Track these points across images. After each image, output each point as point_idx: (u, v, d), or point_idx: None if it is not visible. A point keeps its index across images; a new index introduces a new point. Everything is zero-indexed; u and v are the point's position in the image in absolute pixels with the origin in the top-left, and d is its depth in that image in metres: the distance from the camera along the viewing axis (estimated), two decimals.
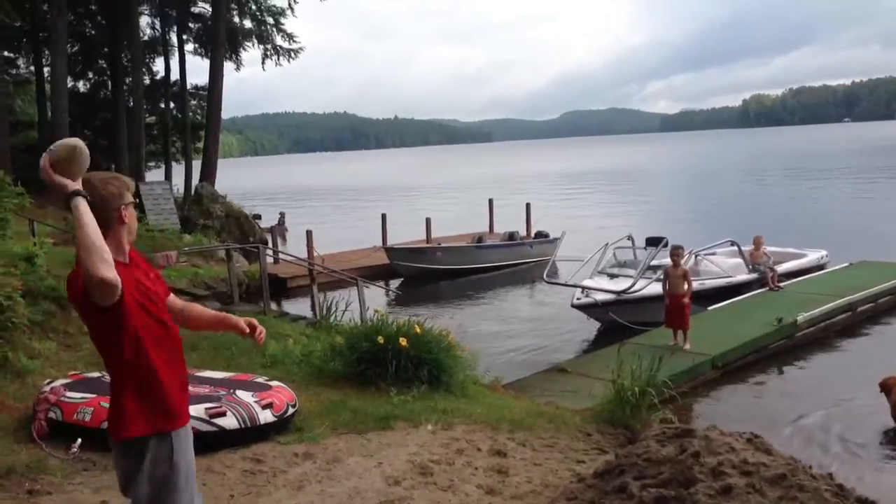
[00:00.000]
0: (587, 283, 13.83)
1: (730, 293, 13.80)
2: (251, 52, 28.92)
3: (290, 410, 6.00)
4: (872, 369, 9.56)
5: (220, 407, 5.60)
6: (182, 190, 26.79)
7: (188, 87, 29.25)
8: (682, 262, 13.95)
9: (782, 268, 15.12)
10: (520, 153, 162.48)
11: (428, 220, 23.78)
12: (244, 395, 5.84)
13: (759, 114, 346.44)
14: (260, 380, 6.40)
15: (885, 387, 8.32)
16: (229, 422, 5.55)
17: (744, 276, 14.59)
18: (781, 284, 14.44)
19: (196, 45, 28.65)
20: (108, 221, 2.72)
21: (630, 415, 7.08)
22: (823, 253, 16.85)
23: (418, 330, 7.53)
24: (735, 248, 15.13)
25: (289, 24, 28.48)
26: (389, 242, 21.86)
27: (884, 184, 40.28)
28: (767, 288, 14.29)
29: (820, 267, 16.27)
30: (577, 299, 13.37)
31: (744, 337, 11.03)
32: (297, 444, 5.64)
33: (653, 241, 15.16)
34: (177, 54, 28.48)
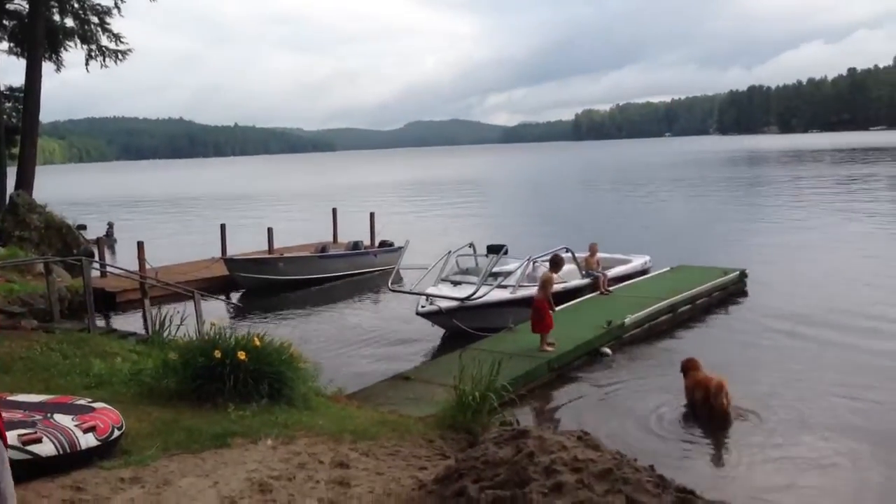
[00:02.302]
0: (431, 290, 14.03)
1: (565, 298, 14.45)
2: (74, 53, 26.91)
3: (116, 433, 5.62)
4: None
5: (35, 433, 5.15)
6: None
7: (1, 88, 26.85)
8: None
9: (611, 273, 16.04)
10: (364, 162, 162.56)
11: (270, 230, 23.20)
12: (63, 419, 5.41)
13: (590, 128, 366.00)
14: (82, 402, 5.96)
15: (683, 368, 9.29)
16: (46, 448, 5.12)
17: (578, 282, 15.34)
18: (611, 289, 15.32)
19: (11, 45, 26.34)
20: None
21: (471, 419, 7.22)
22: (647, 258, 18.07)
23: (258, 342, 7.29)
24: (569, 254, 15.88)
25: (116, 24, 26.73)
26: (229, 253, 21.12)
27: (699, 193, 43.83)
28: (599, 292, 15.11)
29: (644, 271, 17.42)
30: (422, 307, 13.52)
31: (577, 340, 11.58)
32: (123, 469, 5.29)
33: (494, 249, 15.63)
34: None
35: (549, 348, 11.06)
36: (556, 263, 12.15)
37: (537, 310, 11.28)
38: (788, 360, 11.21)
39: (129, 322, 14.87)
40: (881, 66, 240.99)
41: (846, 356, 11.26)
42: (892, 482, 7.16)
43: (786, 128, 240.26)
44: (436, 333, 13.87)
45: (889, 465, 7.48)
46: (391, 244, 22.30)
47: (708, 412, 8.59)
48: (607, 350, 11.80)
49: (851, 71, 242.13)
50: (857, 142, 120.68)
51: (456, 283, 14.42)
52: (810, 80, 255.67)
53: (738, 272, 16.43)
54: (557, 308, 13.77)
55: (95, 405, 5.87)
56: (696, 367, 9.17)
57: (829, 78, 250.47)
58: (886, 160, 67.51)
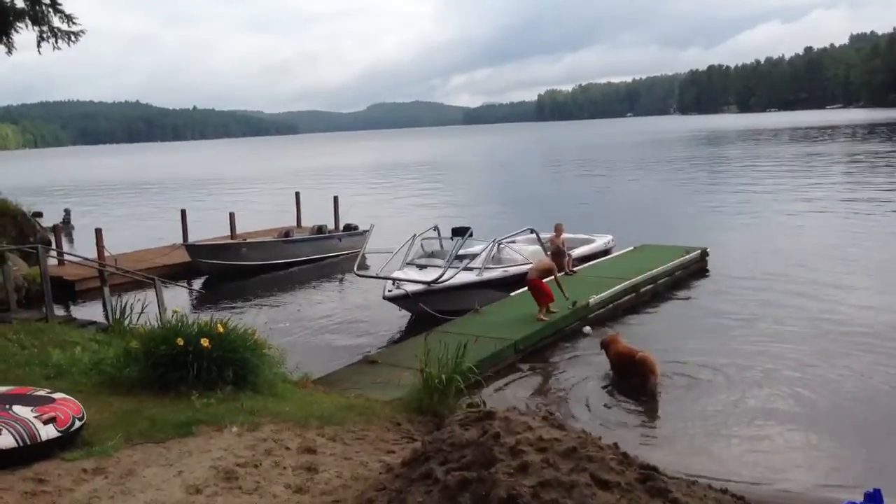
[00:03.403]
0: (397, 274, 14.00)
1: None
2: (25, 35, 26.09)
3: (77, 424, 5.53)
4: (652, 343, 10.56)
5: None
6: None
7: None
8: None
9: (575, 253, 16.16)
10: (327, 145, 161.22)
11: (232, 215, 22.93)
12: (22, 411, 5.31)
13: (553, 108, 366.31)
14: (41, 392, 5.84)
15: (604, 345, 9.94)
16: (5, 440, 5.03)
17: None
18: (575, 269, 15.43)
19: None
20: None
21: (438, 402, 7.26)
22: (610, 238, 18.23)
23: (221, 329, 7.21)
24: (534, 235, 15.96)
25: (68, 4, 26.02)
26: (191, 239, 20.84)
27: (661, 173, 44.29)
28: (564, 272, 15.20)
29: (607, 251, 17.58)
30: (389, 291, 13.50)
31: (543, 321, 11.67)
32: (85, 460, 5.22)
33: (459, 232, 15.64)
34: None
35: (551, 314, 11.84)
36: (556, 254, 12.59)
37: (537, 288, 11.93)
38: (747, 335, 11.46)
39: (89, 311, 14.63)
40: (837, 45, 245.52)
41: (802, 331, 11.54)
42: (844, 448, 7.38)
43: (744, 107, 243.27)
44: (402, 317, 13.87)
45: (839, 433, 7.72)
46: (356, 228, 22.20)
47: (638, 383, 9.13)
48: (588, 329, 12.06)
49: (808, 50, 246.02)
50: (814, 120, 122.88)
51: (421, 267, 14.42)
52: (768, 60, 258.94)
53: (699, 251, 16.66)
54: (523, 290, 13.94)
55: (55, 396, 5.76)
56: (615, 341, 9.86)
57: (787, 57, 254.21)
58: (841, 139, 68.89)
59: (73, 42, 26.60)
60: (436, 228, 16.05)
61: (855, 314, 12.32)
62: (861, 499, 5.05)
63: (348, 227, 22.57)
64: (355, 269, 15.01)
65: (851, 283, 14.62)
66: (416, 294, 13.30)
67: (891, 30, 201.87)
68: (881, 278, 15.09)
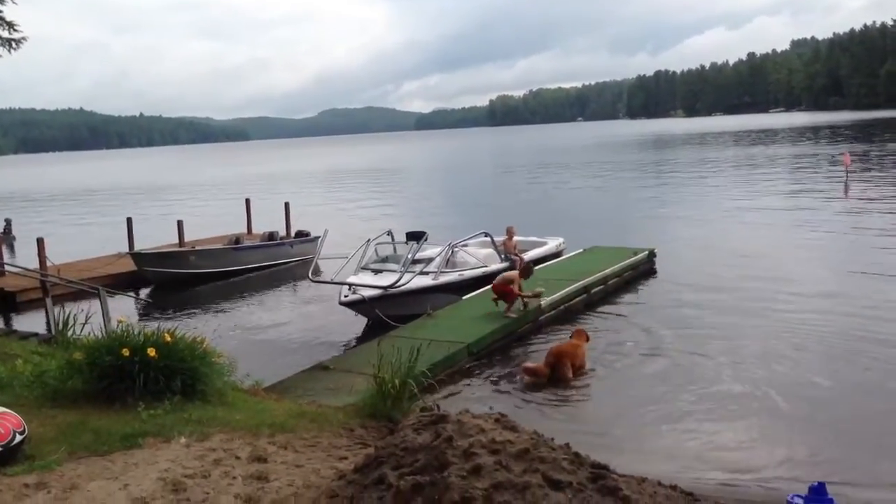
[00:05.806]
0: (352, 279, 13.91)
1: (485, 282, 14.56)
2: None
3: (18, 438, 5.35)
4: (602, 344, 10.69)
5: None
6: None
7: None
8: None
9: (527, 255, 16.26)
10: (277, 151, 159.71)
11: (180, 223, 22.49)
12: None
13: (505, 113, 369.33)
14: None
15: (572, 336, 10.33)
16: None
17: (496, 265, 15.48)
18: None
19: None
20: None
21: (391, 407, 7.23)
22: (561, 240, 18.40)
23: (168, 338, 7.06)
24: (488, 238, 16.02)
25: (9, 11, 25.37)
26: (137, 248, 20.39)
27: (609, 176, 44.94)
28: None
29: (558, 253, 17.74)
30: (345, 296, 13.41)
31: (495, 324, 11.73)
32: (26, 475, 5.04)
33: (414, 236, 15.60)
34: None
35: (513, 315, 12.08)
36: (526, 270, 12.71)
37: (505, 293, 12.22)
38: (694, 333, 11.69)
39: (31, 322, 14.22)
40: (779, 50, 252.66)
41: (749, 328, 11.81)
42: (789, 442, 7.56)
43: (691, 111, 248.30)
44: (356, 323, 13.78)
45: (785, 428, 7.92)
46: (308, 234, 21.99)
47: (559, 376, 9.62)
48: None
49: (751, 56, 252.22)
50: (756, 124, 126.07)
51: (376, 272, 14.36)
52: (713, 65, 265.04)
53: (647, 252, 16.93)
54: (476, 293, 13.96)
55: None
56: (579, 335, 10.25)
57: (731, 63, 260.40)
58: (781, 141, 70.87)
59: (15, 49, 25.79)
60: (389, 233, 16.00)
61: (800, 312, 12.63)
62: (806, 492, 5.18)
63: (300, 234, 22.34)
64: (310, 274, 14.86)
65: (796, 280, 14.99)
66: (373, 299, 13.23)
67: (830, 35, 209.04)
68: (825, 276, 15.52)
